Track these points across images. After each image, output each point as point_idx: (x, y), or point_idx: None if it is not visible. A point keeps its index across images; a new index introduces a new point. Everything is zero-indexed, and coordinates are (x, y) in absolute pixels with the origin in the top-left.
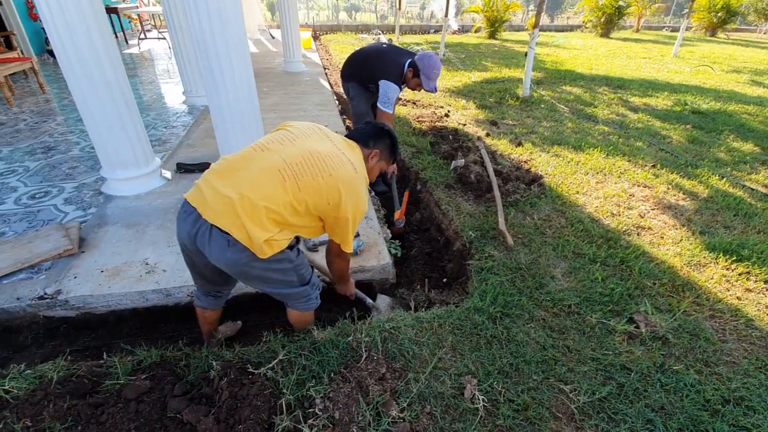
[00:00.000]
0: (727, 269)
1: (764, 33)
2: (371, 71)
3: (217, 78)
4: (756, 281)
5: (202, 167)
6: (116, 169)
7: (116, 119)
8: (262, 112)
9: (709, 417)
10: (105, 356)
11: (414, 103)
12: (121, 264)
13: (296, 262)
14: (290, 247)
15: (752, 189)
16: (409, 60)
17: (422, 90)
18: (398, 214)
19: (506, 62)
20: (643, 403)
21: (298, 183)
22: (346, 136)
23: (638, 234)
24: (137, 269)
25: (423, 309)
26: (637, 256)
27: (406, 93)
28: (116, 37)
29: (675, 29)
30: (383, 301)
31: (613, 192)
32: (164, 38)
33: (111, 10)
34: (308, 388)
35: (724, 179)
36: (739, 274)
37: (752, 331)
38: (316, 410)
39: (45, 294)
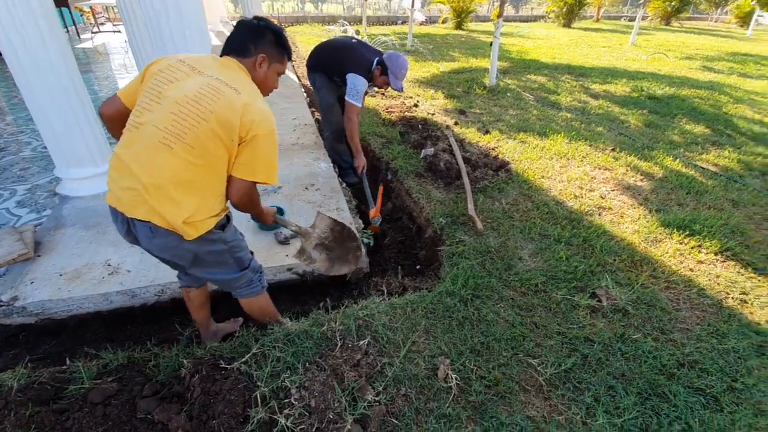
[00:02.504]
0: (681, 243)
1: (715, 21)
2: (339, 64)
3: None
4: (707, 253)
5: None
6: (71, 168)
7: (70, 116)
8: None
9: (666, 380)
10: (68, 361)
11: (383, 94)
12: (81, 266)
13: (231, 243)
14: (221, 227)
15: (703, 168)
16: (378, 58)
17: (388, 88)
18: (373, 212)
19: (473, 52)
20: (605, 371)
21: (185, 142)
22: (222, 52)
23: (600, 214)
24: (99, 271)
25: (397, 295)
26: (599, 234)
27: None
28: (67, 31)
29: (632, 19)
30: (322, 221)
31: (576, 175)
32: (119, 31)
33: (61, 3)
34: (283, 379)
35: (678, 160)
36: (692, 248)
37: (704, 300)
38: (292, 400)
39: (0, 301)
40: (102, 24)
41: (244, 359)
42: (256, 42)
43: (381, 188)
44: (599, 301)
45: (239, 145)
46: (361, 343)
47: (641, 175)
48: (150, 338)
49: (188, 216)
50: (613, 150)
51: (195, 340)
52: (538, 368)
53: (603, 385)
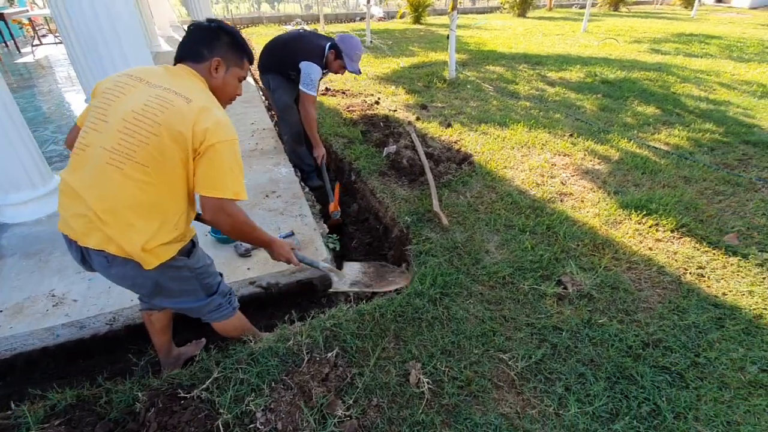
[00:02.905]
0: (639, 223)
1: (660, 4)
2: (292, 56)
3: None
4: (664, 231)
5: None
6: (8, 193)
7: (2, 138)
8: None
9: (632, 362)
10: (12, 406)
11: (344, 93)
12: (23, 300)
13: (198, 270)
14: (186, 253)
15: (656, 148)
16: (329, 43)
17: (345, 72)
18: (333, 206)
19: (432, 46)
20: (574, 359)
21: (136, 161)
22: (175, 59)
23: (561, 200)
24: (43, 303)
25: (365, 301)
26: (561, 221)
27: (335, 82)
28: (6, 46)
29: (583, 6)
30: (351, 269)
31: (537, 163)
32: (62, 42)
33: None
34: (247, 403)
35: (632, 141)
36: (650, 227)
37: (663, 277)
38: (258, 425)
39: None
40: (44, 36)
41: (204, 385)
42: (210, 45)
43: (338, 185)
44: (565, 288)
45: (194, 159)
46: (329, 355)
47: (599, 158)
48: (104, 371)
49: (146, 241)
50: (571, 136)
51: (152, 369)
52: (509, 363)
53: (573, 373)
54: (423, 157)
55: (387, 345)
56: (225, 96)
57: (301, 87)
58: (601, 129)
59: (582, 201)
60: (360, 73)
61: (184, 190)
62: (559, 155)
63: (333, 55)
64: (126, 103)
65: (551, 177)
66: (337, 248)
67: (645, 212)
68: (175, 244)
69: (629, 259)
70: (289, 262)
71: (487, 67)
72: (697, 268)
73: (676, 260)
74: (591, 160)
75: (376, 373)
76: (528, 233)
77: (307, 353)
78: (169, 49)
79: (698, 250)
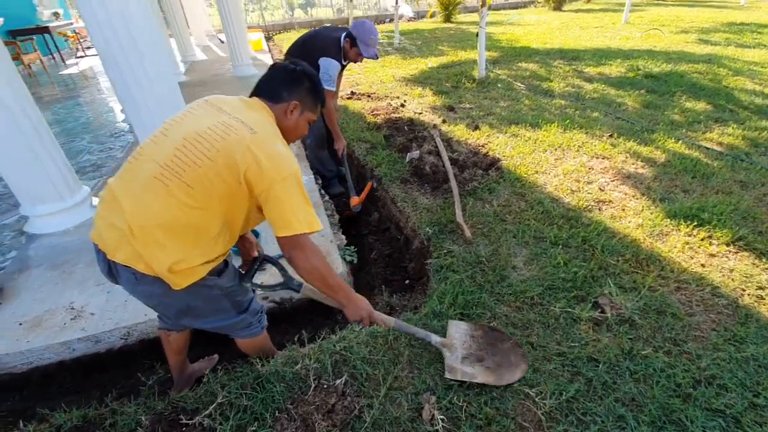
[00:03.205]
0: (690, 236)
1: None
2: (309, 55)
3: (133, 91)
4: (718, 245)
5: None
6: (36, 205)
7: (27, 152)
8: None
9: (681, 403)
10: (21, 424)
11: (369, 96)
12: (43, 312)
13: (229, 288)
14: (217, 273)
15: (707, 148)
16: (344, 33)
17: (363, 59)
18: (355, 200)
19: (462, 45)
20: (612, 397)
21: (183, 181)
22: (250, 93)
23: (599, 209)
24: (61, 316)
25: None
26: (599, 233)
27: (362, 85)
28: (53, 58)
29: None
30: (457, 330)
31: (572, 167)
32: None
33: (42, 30)
34: None
35: (680, 141)
36: (702, 239)
37: (718, 300)
38: None
39: None
40: (88, 48)
41: (207, 411)
42: (290, 88)
43: (370, 184)
44: (602, 311)
45: (253, 193)
46: (338, 382)
47: (642, 161)
48: (114, 388)
49: (174, 262)
50: (610, 136)
51: (162, 388)
52: (536, 399)
53: (611, 415)
54: (447, 163)
55: (400, 373)
56: (292, 136)
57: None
58: (645, 128)
59: (623, 210)
60: (377, 57)
61: (221, 218)
62: (597, 158)
63: (349, 44)
64: (192, 123)
65: (588, 182)
66: (355, 261)
67: (696, 223)
68: (204, 265)
69: (678, 277)
70: (369, 324)
71: (519, 64)
72: (756, 289)
73: (732, 279)
74: (633, 163)
75: (387, 405)
76: (561, 247)
77: (315, 379)
78: (204, 57)
79: (758, 267)
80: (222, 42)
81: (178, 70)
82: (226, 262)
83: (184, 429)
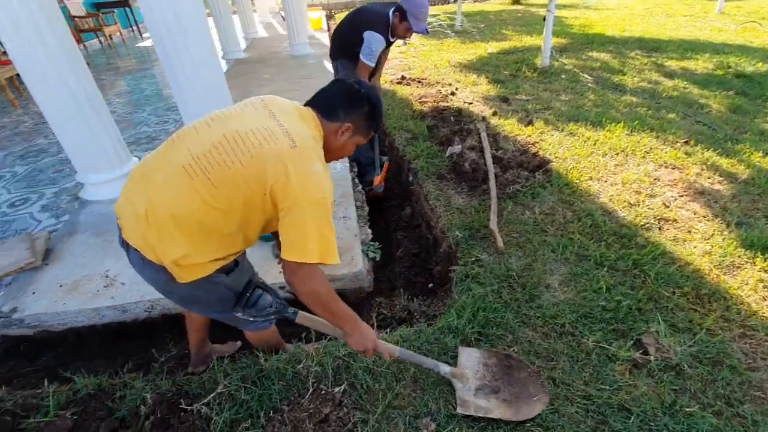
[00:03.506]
0: (766, 271)
1: None
2: (356, 30)
3: (178, 74)
4: None
5: None
6: (88, 173)
7: (86, 129)
8: None
9: None
10: (46, 383)
11: (420, 82)
12: (81, 277)
13: (235, 285)
14: (225, 272)
15: None
16: (394, 7)
17: (412, 35)
18: (377, 180)
19: (528, 29)
20: None
21: (209, 178)
22: (306, 102)
23: (660, 228)
24: (96, 282)
25: (398, 323)
26: (656, 257)
27: (414, 70)
28: (132, 30)
29: None
30: (469, 357)
31: (633, 176)
32: None
33: (122, 3)
34: (241, 431)
35: None
36: None
37: None
38: None
39: (0, 312)
40: None
41: (206, 399)
42: (348, 109)
43: (387, 164)
44: (645, 352)
45: (275, 207)
46: (336, 390)
47: (720, 175)
48: (142, 355)
49: (181, 256)
50: (686, 143)
51: (169, 368)
52: None
53: None
54: (489, 161)
55: (402, 390)
56: (335, 156)
57: (360, 55)
58: (729, 137)
59: (689, 232)
60: (427, 32)
61: (238, 222)
62: (666, 167)
63: (398, 18)
64: (237, 121)
65: (651, 196)
66: (377, 258)
67: None
68: (212, 263)
69: (744, 321)
70: (372, 355)
71: (590, 53)
72: None
73: None
74: (709, 178)
75: (383, 424)
76: (606, 268)
77: (314, 383)
78: (265, 35)
79: None
80: (284, 19)
81: (238, 47)
82: (236, 261)
83: (182, 414)
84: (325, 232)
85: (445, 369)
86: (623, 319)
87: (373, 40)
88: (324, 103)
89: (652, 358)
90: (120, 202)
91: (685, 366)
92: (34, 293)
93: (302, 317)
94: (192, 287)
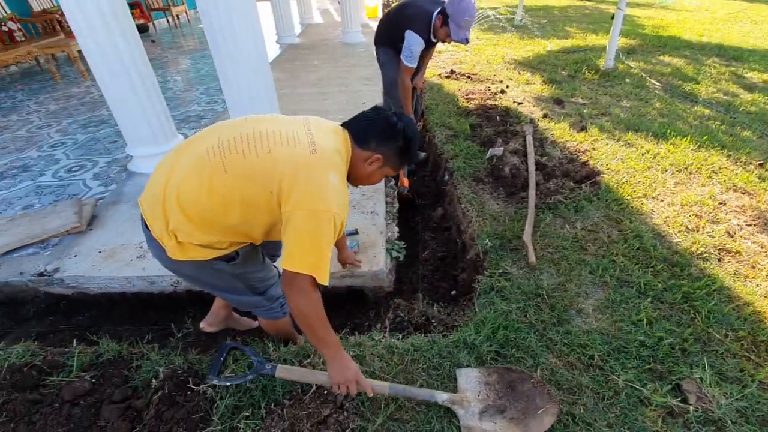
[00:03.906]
0: None
1: None
2: (399, 25)
3: (221, 50)
4: None
5: None
6: (137, 146)
7: (137, 106)
8: (305, 87)
9: None
10: (74, 344)
11: (469, 77)
12: (118, 246)
13: (240, 274)
14: (226, 260)
15: None
16: (440, 8)
17: (451, 41)
18: (404, 182)
19: (594, 27)
20: None
21: (223, 160)
22: (343, 123)
23: (719, 260)
24: (131, 252)
25: (415, 329)
26: (710, 292)
27: (465, 64)
28: (197, 11)
29: None
30: (468, 379)
31: (695, 198)
32: None
33: None
34: (240, 419)
35: None
36: None
37: None
38: None
39: (45, 271)
40: None
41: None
42: (382, 141)
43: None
44: (684, 400)
45: (281, 210)
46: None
47: None
48: (163, 327)
49: (174, 228)
50: (760, 165)
51: (184, 345)
52: None
53: None
54: (531, 167)
55: (405, 403)
56: (361, 183)
57: (401, 55)
58: None
59: (753, 267)
60: (468, 42)
61: (238, 216)
62: (735, 191)
63: (440, 21)
64: (270, 122)
65: (713, 222)
66: (401, 258)
67: None
68: (208, 249)
69: None
70: (354, 391)
71: (661, 57)
72: None
73: None
74: None
75: None
76: (650, 299)
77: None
78: (321, 21)
79: None
80: (339, 5)
81: (292, 32)
82: (237, 252)
83: (188, 393)
84: (320, 248)
85: (443, 397)
86: (663, 359)
87: (412, 41)
88: (358, 129)
89: (691, 407)
90: (150, 178)
91: (729, 422)
92: (75, 256)
93: (281, 370)
94: (196, 270)
